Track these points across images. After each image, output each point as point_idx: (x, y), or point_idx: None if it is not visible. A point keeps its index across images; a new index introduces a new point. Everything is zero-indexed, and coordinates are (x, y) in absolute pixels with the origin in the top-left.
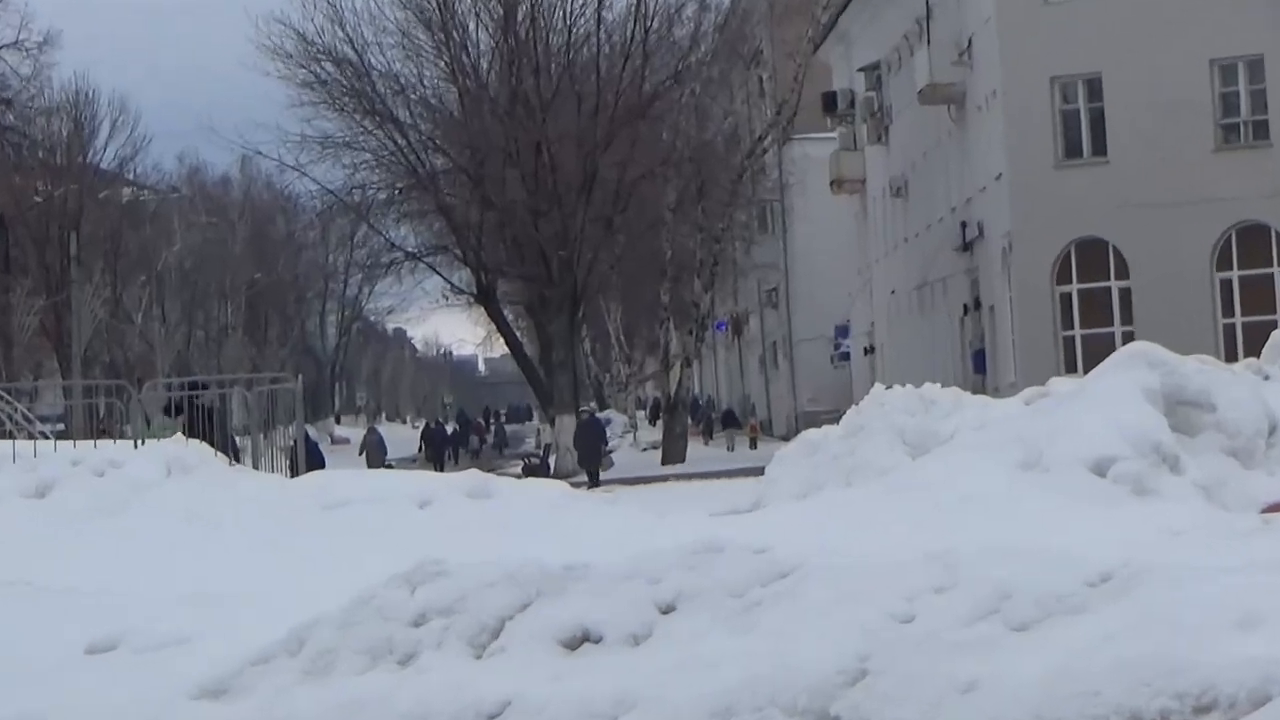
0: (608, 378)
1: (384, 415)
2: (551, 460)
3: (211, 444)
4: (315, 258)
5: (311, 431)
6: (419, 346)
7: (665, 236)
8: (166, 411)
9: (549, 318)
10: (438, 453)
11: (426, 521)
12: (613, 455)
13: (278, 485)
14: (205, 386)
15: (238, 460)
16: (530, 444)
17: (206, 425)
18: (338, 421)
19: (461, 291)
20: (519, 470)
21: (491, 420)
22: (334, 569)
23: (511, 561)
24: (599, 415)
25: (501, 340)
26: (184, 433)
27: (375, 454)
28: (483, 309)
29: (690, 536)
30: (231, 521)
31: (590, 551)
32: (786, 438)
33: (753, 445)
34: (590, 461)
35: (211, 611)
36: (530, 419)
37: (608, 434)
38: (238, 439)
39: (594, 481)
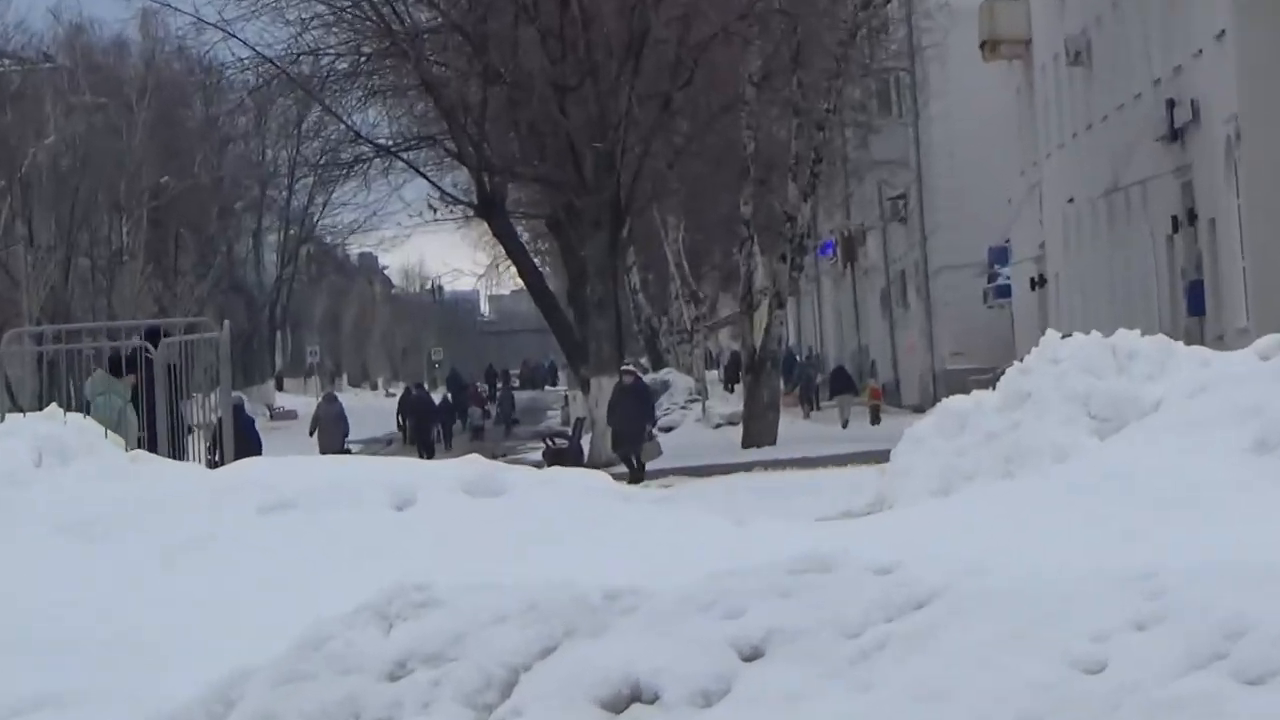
0: (664, 323)
1: (345, 378)
2: (585, 441)
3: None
4: (247, 154)
5: (243, 402)
6: (395, 281)
7: (746, 122)
8: (114, 369)
9: (581, 238)
10: (422, 431)
11: (407, 528)
12: (664, 435)
13: (195, 479)
14: (95, 337)
15: (177, 448)
16: (554, 418)
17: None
18: (279, 387)
19: (456, 201)
20: (539, 456)
21: (498, 384)
22: (274, 598)
23: (530, 586)
24: (651, 377)
25: (513, 271)
26: (135, 404)
27: (332, 432)
28: (486, 226)
29: (784, 551)
30: (127, 533)
31: (641, 572)
32: (920, 409)
33: (873, 419)
34: (628, 444)
35: (95, 662)
36: (554, 383)
37: (660, 405)
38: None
39: (635, 474)
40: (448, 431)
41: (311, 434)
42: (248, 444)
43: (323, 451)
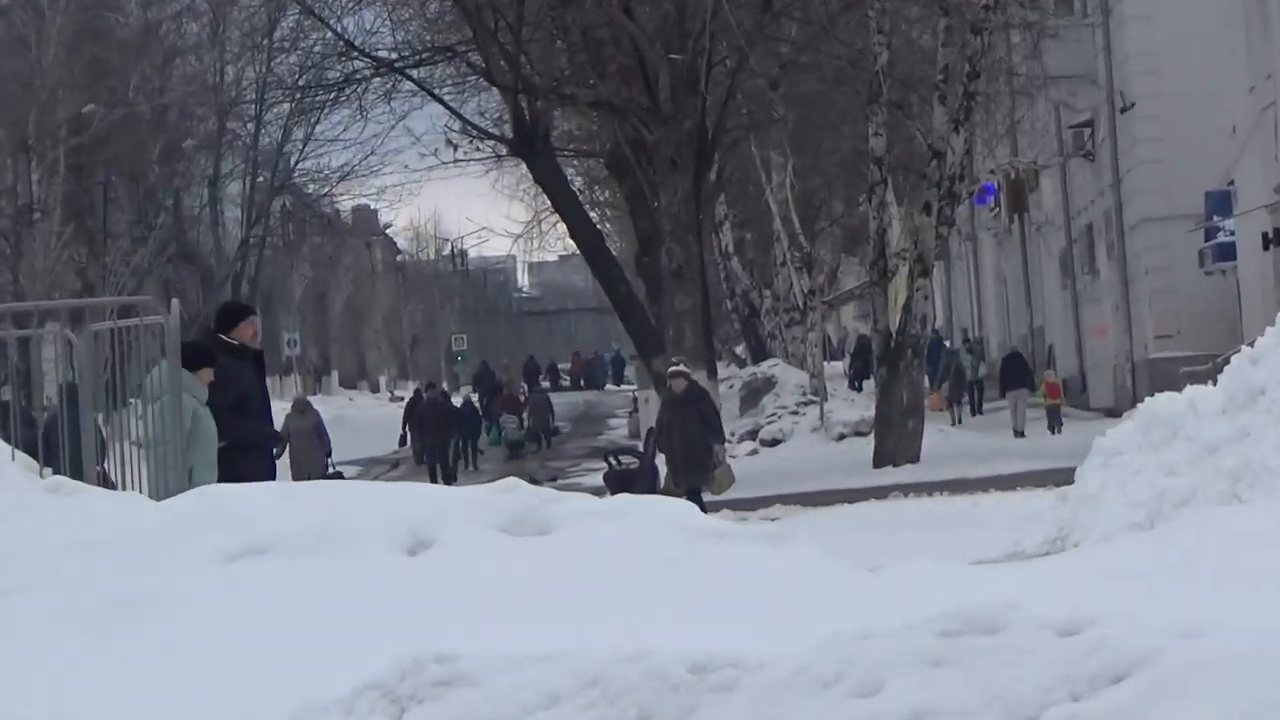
0: (767, 299)
1: (335, 377)
2: (662, 460)
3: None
4: (200, 74)
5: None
6: (402, 245)
7: (877, 24)
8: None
9: (654, 185)
10: (439, 448)
11: (423, 580)
12: (770, 450)
13: (135, 515)
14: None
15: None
16: (619, 429)
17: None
18: None
19: (484, 135)
20: (599, 480)
21: (542, 379)
22: (245, 677)
23: (590, 657)
24: (751, 371)
25: (561, 230)
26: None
27: (306, 453)
28: (524, 169)
29: (933, 605)
30: (38, 591)
31: (741, 637)
32: (1114, 411)
33: (1051, 425)
34: (688, 474)
35: None
36: (618, 381)
37: (762, 409)
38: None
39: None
40: (473, 448)
41: (278, 455)
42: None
43: (295, 476)
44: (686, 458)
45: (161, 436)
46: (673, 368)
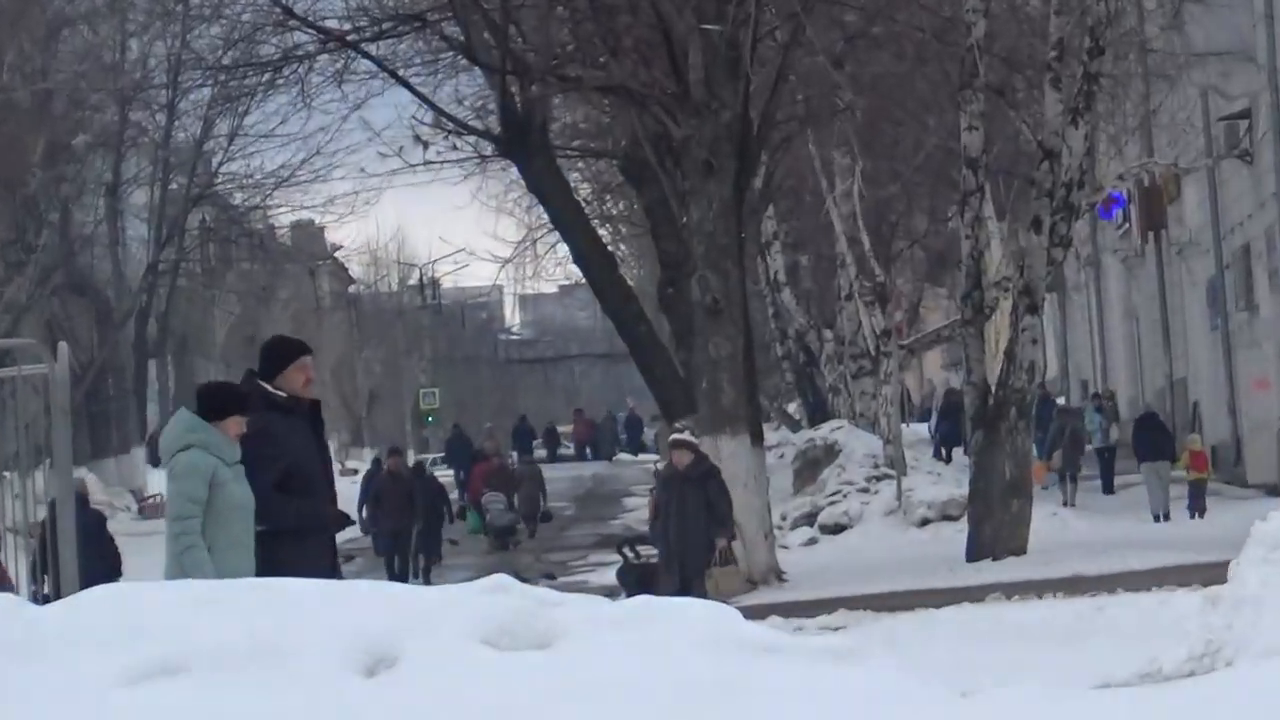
0: (828, 341)
1: None
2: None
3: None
4: (96, 49)
5: (91, 485)
6: (355, 272)
7: None
8: (210, 408)
9: (682, 193)
10: (397, 534)
11: (383, 711)
12: (833, 538)
13: (8, 620)
14: None
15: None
16: (637, 510)
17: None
18: (155, 460)
19: (464, 130)
20: (611, 576)
21: (537, 446)
22: None
23: None
24: (807, 437)
25: (560, 252)
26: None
27: None
28: (513, 173)
29: None
30: None
31: None
32: (1278, 489)
33: (1196, 505)
34: (684, 566)
35: None
36: (636, 448)
37: (822, 484)
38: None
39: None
40: (434, 537)
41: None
42: (98, 559)
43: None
44: (684, 552)
45: (180, 511)
46: (675, 435)
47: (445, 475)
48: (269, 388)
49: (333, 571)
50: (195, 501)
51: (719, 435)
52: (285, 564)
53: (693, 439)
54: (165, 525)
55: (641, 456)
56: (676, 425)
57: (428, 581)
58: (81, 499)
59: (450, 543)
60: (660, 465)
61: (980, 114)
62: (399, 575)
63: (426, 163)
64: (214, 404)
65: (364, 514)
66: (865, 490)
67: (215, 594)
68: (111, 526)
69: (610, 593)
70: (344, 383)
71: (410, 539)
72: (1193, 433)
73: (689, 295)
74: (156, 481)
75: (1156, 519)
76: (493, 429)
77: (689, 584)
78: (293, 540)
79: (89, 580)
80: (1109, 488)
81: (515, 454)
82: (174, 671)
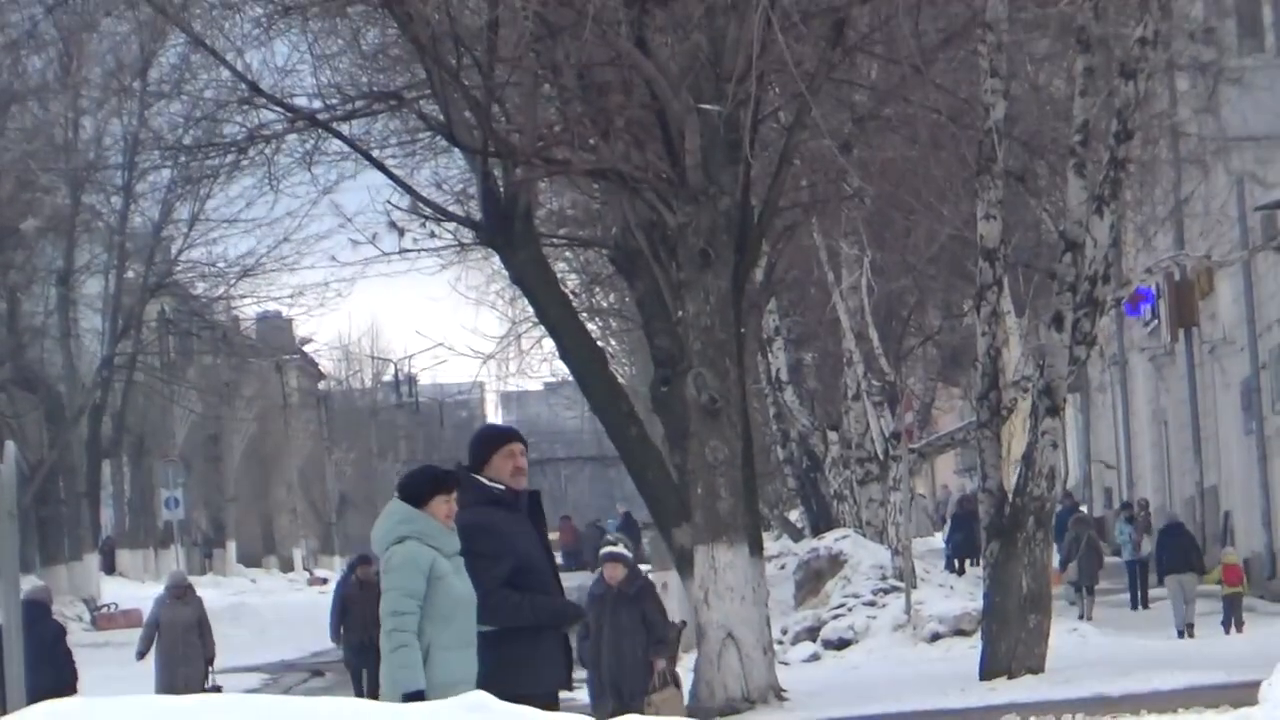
0: (834, 446)
1: (233, 549)
2: (685, 666)
3: None
4: (45, 126)
5: (46, 596)
6: (325, 368)
7: (990, 62)
8: (415, 492)
9: (677, 285)
10: (365, 646)
11: None
12: (837, 654)
13: None
14: None
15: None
16: None
17: None
18: (109, 567)
19: (442, 217)
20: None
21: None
22: None
23: None
24: (810, 547)
25: (546, 348)
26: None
27: (180, 653)
28: (496, 263)
29: None
30: None
31: None
32: None
33: (1230, 620)
34: (620, 693)
35: None
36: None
37: (828, 598)
38: None
39: None
40: None
41: (142, 655)
42: (53, 670)
43: (163, 688)
44: (619, 675)
45: (395, 607)
46: (606, 548)
47: None
48: (485, 480)
49: (568, 671)
50: (412, 596)
51: (715, 544)
52: (520, 664)
53: (626, 552)
54: (381, 622)
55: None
56: (608, 538)
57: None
58: (43, 607)
59: None
60: (654, 576)
61: (998, 202)
62: (369, 691)
63: (402, 251)
64: (417, 489)
65: (338, 626)
66: (872, 603)
67: (174, 712)
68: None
69: (600, 709)
70: (313, 486)
71: (378, 652)
72: (1226, 545)
73: (684, 394)
74: (111, 590)
75: (1181, 634)
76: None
77: (625, 710)
78: (528, 639)
79: (38, 695)
80: (1138, 603)
81: None
82: None
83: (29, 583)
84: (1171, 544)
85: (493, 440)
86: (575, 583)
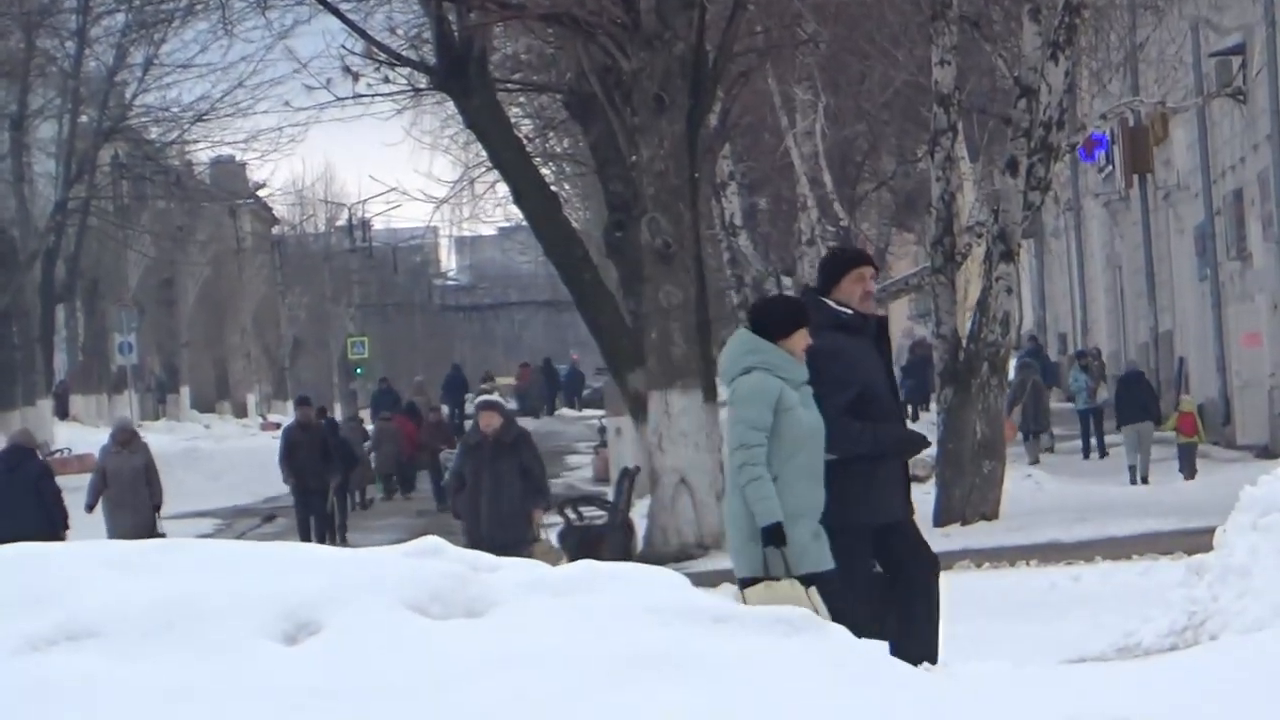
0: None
1: (187, 395)
2: (640, 513)
3: None
4: None
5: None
6: (279, 213)
7: None
8: (773, 323)
9: (631, 130)
10: (311, 492)
11: (305, 681)
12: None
13: None
14: None
15: None
16: (581, 470)
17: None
18: (62, 412)
19: (396, 61)
20: (553, 540)
21: (468, 396)
22: None
23: None
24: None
25: (500, 193)
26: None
27: (130, 499)
28: (450, 108)
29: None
30: None
31: None
32: (1270, 451)
33: (1184, 467)
34: (497, 548)
35: None
36: (577, 403)
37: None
38: None
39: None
40: (354, 491)
41: (91, 507)
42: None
43: (112, 536)
44: (496, 527)
45: (743, 439)
46: (481, 397)
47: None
48: (833, 304)
49: (907, 502)
50: (760, 429)
51: (669, 390)
52: (858, 493)
53: (500, 400)
54: (726, 456)
55: (589, 412)
56: (482, 386)
57: (343, 542)
58: (24, 450)
59: (363, 502)
60: (607, 421)
61: (953, 47)
62: (316, 537)
63: (356, 96)
64: (775, 320)
65: (288, 472)
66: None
67: (124, 556)
68: None
69: (552, 558)
70: (266, 331)
71: (324, 498)
72: (1184, 394)
73: (638, 239)
74: (65, 435)
75: (1134, 481)
76: (423, 382)
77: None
78: (865, 469)
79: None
80: (1091, 450)
81: (448, 408)
82: (78, 637)
83: None
84: (1130, 393)
85: (844, 262)
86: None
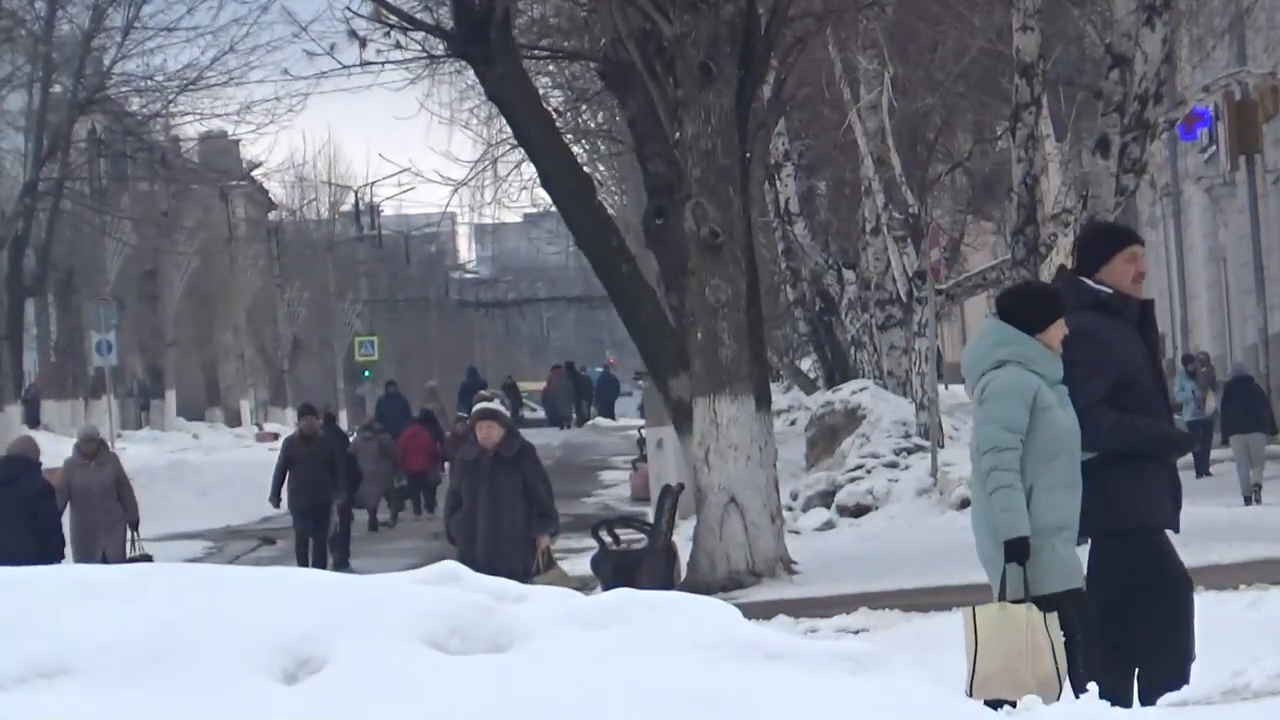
0: (851, 286)
1: (172, 401)
2: (683, 535)
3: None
4: None
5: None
6: (277, 196)
7: None
8: (1030, 314)
9: (676, 104)
10: (310, 510)
11: None
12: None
13: None
14: None
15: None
16: (618, 488)
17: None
18: (32, 420)
19: (409, 24)
20: (586, 566)
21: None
22: None
23: None
24: (824, 400)
25: (527, 174)
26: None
27: (100, 516)
28: (470, 77)
29: None
30: None
31: None
32: None
33: None
34: (497, 569)
35: None
36: (610, 411)
37: (843, 458)
38: None
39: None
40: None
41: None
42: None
43: (81, 560)
44: (493, 553)
45: (993, 441)
46: (480, 405)
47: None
48: (1091, 283)
49: (1175, 510)
50: (1014, 430)
51: (717, 397)
52: (1117, 496)
53: (502, 409)
54: (971, 461)
55: (622, 422)
56: (482, 394)
57: (341, 565)
58: (27, 463)
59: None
60: (647, 432)
61: (1036, 11)
62: (316, 562)
63: (364, 63)
64: (1030, 309)
65: (281, 487)
66: (893, 464)
67: (101, 582)
68: None
69: (583, 585)
70: (262, 329)
71: (325, 515)
72: None
73: (681, 227)
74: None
75: (1247, 501)
76: (435, 388)
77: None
78: (1128, 467)
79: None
80: (1204, 469)
81: (464, 415)
82: (52, 674)
83: None
84: (1238, 399)
85: (1114, 239)
86: (560, 439)
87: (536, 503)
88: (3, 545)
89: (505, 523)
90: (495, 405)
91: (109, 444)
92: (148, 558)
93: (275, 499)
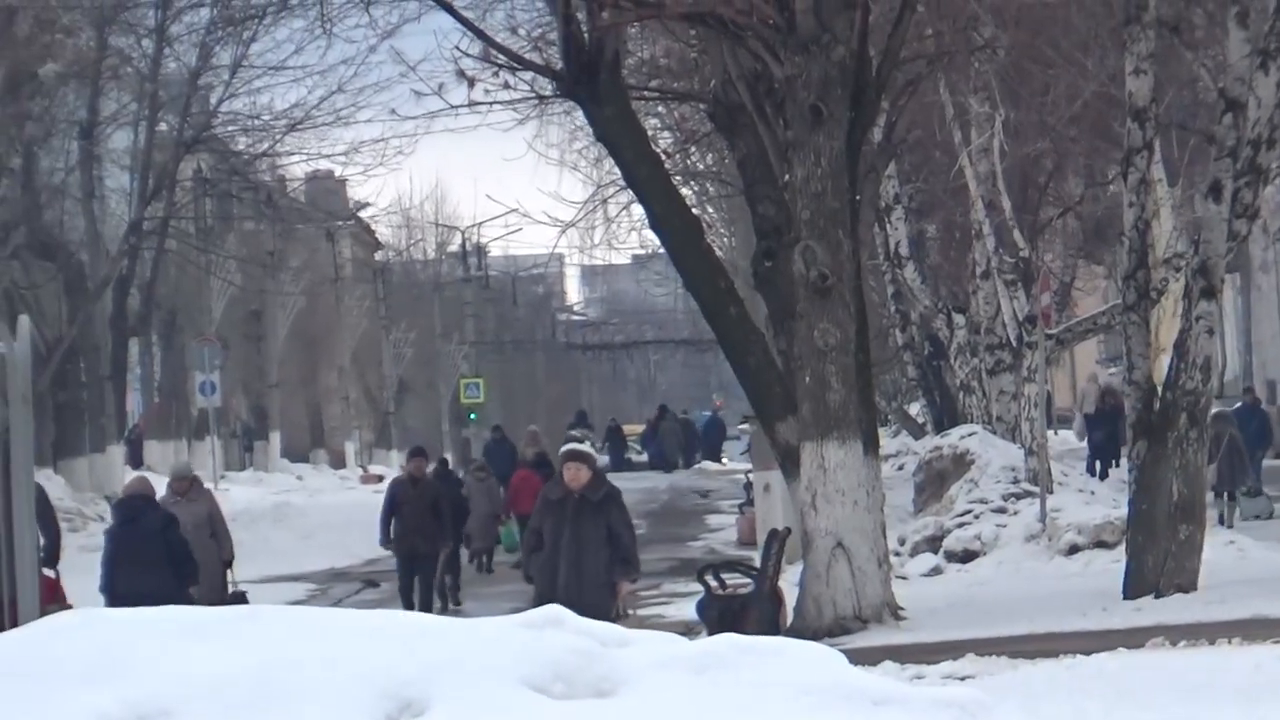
0: (960, 330)
1: (277, 442)
2: (789, 581)
3: None
4: None
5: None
6: (383, 236)
7: None
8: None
9: (786, 145)
10: (417, 555)
11: None
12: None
13: None
14: None
15: None
16: (724, 533)
17: None
18: (136, 460)
19: (518, 65)
20: (691, 611)
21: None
22: None
23: None
24: (932, 444)
25: (635, 215)
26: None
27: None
28: (578, 118)
29: None
30: None
31: None
32: None
33: None
34: (581, 612)
35: None
36: (716, 454)
37: (950, 503)
38: None
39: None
40: (483, 554)
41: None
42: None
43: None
44: (574, 597)
45: None
46: (568, 445)
47: None
48: None
49: None
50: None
51: (824, 441)
52: None
53: (591, 451)
54: None
55: (731, 465)
56: (571, 434)
57: (449, 608)
58: (149, 500)
59: (486, 568)
60: (754, 476)
61: (1149, 55)
62: (422, 605)
63: (472, 104)
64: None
65: (390, 531)
66: (1002, 510)
67: (199, 623)
68: (82, 540)
69: (688, 630)
70: (367, 370)
71: (433, 561)
72: None
73: (790, 270)
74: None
75: None
76: (537, 433)
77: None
78: None
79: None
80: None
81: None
82: (149, 716)
83: (44, 478)
84: None
85: None
86: (665, 482)
87: (620, 548)
88: (139, 580)
89: (588, 566)
90: (584, 447)
91: (205, 482)
92: (242, 595)
93: (385, 541)
